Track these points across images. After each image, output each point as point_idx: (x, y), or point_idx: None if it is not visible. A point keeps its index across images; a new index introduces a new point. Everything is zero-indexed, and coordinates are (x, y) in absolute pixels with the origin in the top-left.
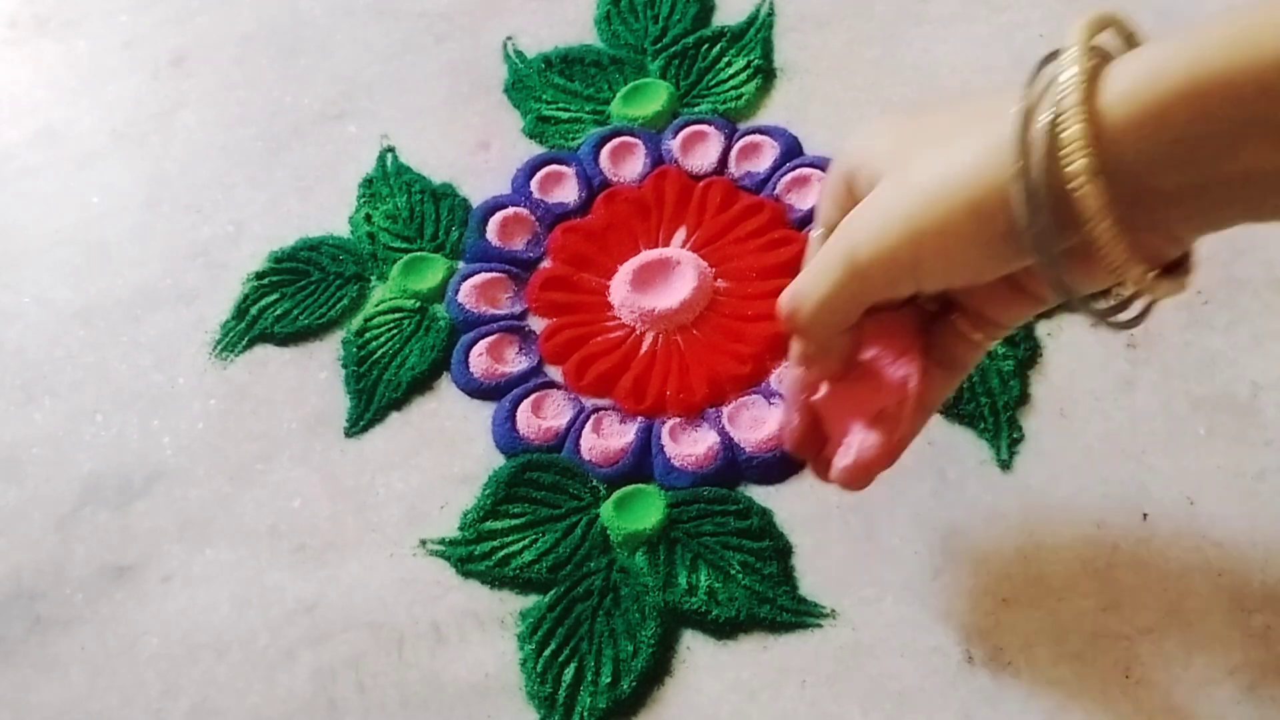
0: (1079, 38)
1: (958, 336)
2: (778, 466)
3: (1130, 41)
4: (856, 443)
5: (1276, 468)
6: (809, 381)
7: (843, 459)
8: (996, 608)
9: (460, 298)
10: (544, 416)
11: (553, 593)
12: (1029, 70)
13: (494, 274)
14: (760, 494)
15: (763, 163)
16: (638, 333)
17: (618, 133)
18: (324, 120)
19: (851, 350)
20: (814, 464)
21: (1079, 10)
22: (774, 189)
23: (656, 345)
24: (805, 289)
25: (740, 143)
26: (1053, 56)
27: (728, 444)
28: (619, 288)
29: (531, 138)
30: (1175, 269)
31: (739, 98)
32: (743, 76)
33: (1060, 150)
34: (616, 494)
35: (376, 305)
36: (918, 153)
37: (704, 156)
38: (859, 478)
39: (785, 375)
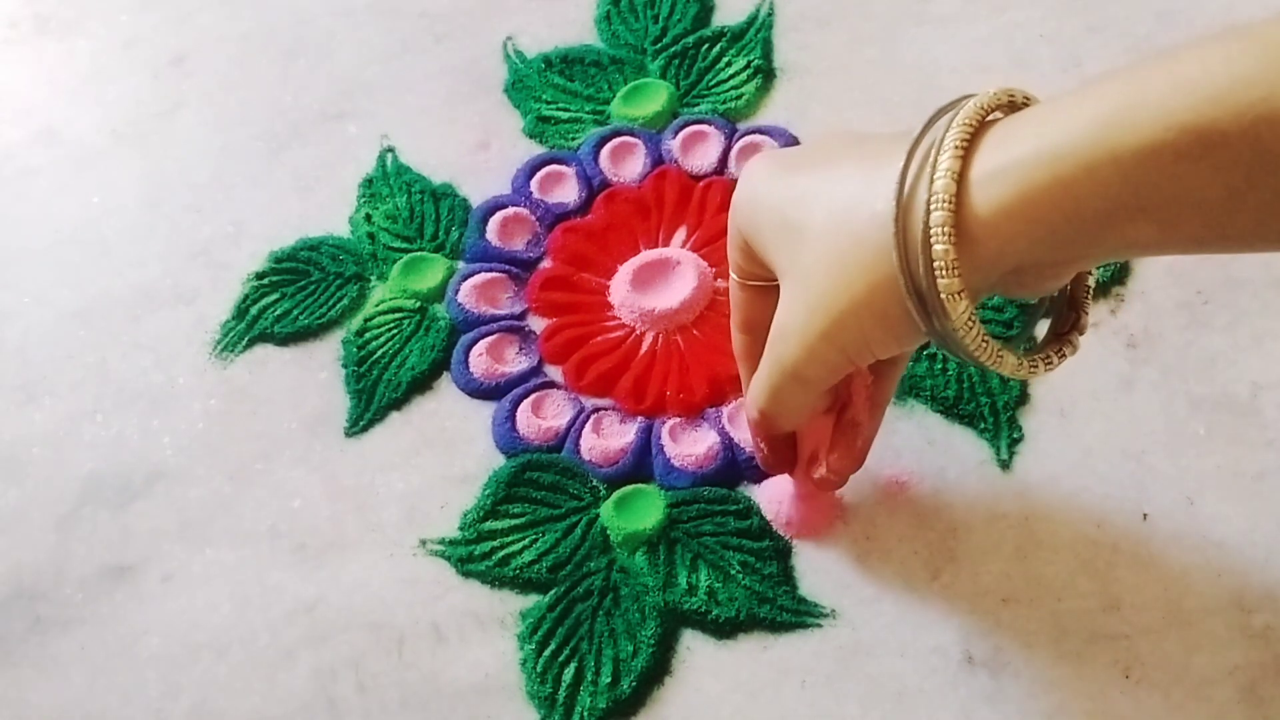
0: (955, 133)
1: None
2: None
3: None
4: (825, 457)
5: (1276, 468)
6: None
7: (817, 472)
8: (996, 608)
9: (460, 298)
10: (544, 416)
11: (553, 593)
12: (915, 130)
13: (494, 274)
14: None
15: None
16: (638, 333)
17: (618, 133)
18: (324, 120)
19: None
20: (793, 475)
21: (1078, 10)
22: None
23: (656, 345)
24: (769, 407)
25: (740, 143)
26: (936, 118)
27: (728, 444)
28: (619, 288)
29: (531, 138)
30: (1067, 330)
31: (739, 98)
32: (743, 76)
33: (933, 261)
34: (616, 494)
35: (376, 305)
36: (805, 238)
37: (704, 156)
38: (835, 485)
39: (746, 412)
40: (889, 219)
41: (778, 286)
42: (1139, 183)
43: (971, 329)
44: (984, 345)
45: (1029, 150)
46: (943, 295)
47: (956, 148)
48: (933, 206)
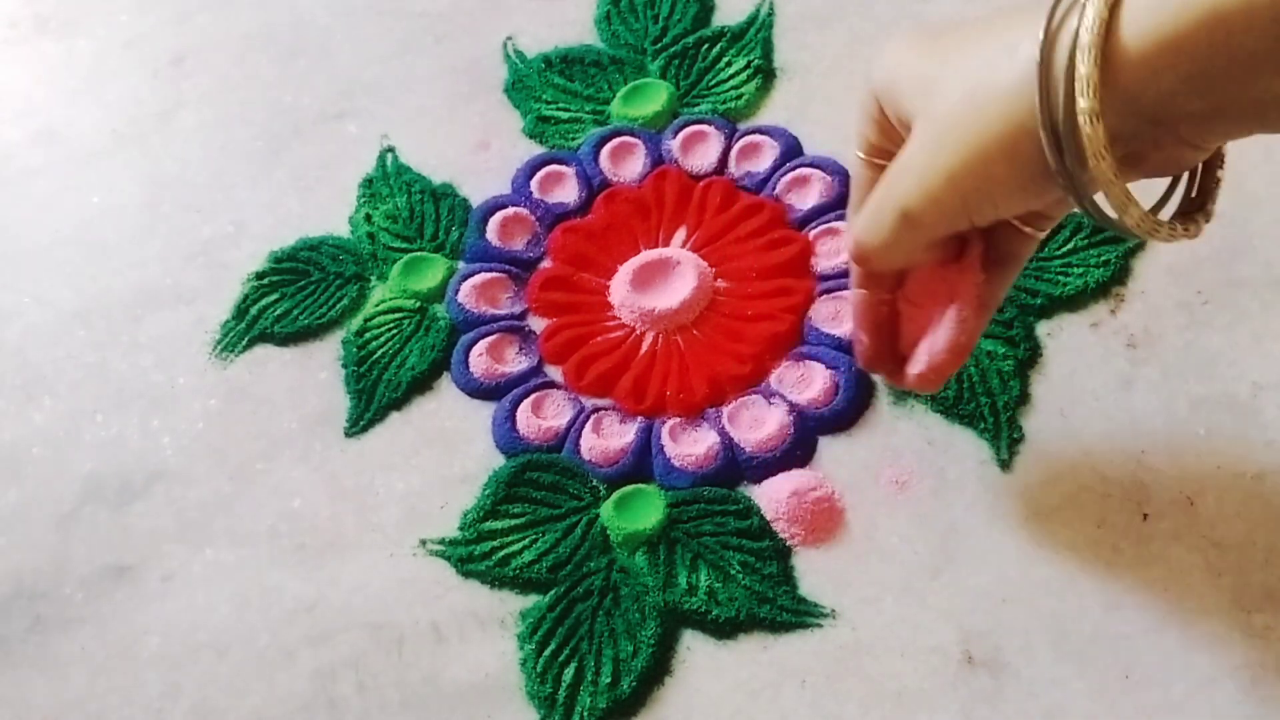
0: None
1: (1010, 232)
2: (778, 466)
3: None
4: (926, 349)
5: (1276, 468)
6: (874, 301)
7: (916, 366)
8: (996, 608)
9: (460, 298)
10: (544, 416)
11: (553, 593)
12: None
13: (494, 274)
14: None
15: (763, 163)
16: (638, 333)
17: (618, 133)
18: (324, 120)
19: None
20: (888, 376)
21: None
22: (774, 189)
23: (656, 345)
24: (867, 239)
25: (740, 143)
26: None
27: (728, 444)
28: (619, 288)
29: (531, 138)
30: (1194, 210)
31: (739, 98)
32: (743, 76)
33: (1074, 85)
34: (616, 494)
35: (376, 305)
36: (944, 87)
37: (704, 156)
38: (933, 380)
39: (850, 298)
40: (1033, 57)
41: None
42: None
43: (1103, 160)
44: (1114, 183)
45: None
46: (1080, 116)
47: None
48: (1082, 33)
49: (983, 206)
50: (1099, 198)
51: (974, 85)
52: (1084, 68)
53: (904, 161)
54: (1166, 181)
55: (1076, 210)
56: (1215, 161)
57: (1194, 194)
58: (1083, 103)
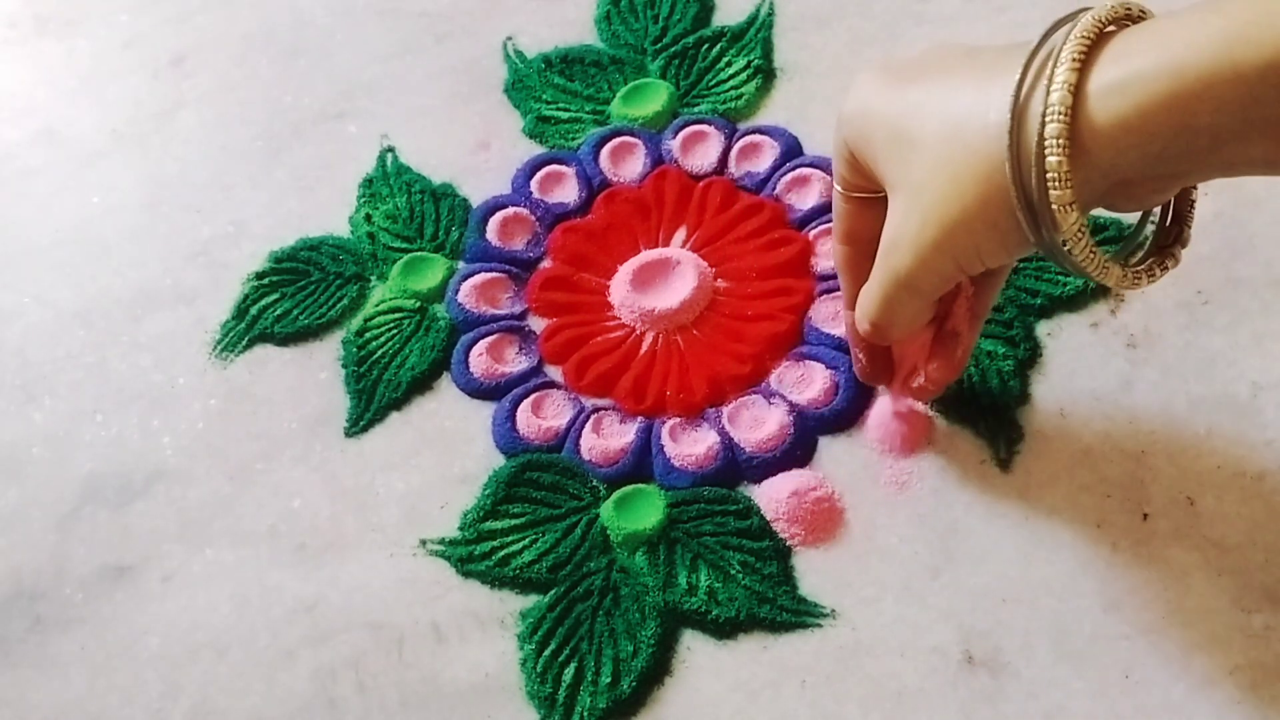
0: (1072, 45)
1: None
2: (778, 466)
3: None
4: (922, 364)
5: (1276, 468)
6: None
7: (915, 382)
8: (996, 608)
9: (460, 298)
10: (544, 416)
11: (553, 593)
12: (1030, 42)
13: (494, 274)
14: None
15: (763, 163)
16: (638, 333)
17: (618, 133)
18: (324, 120)
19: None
20: (888, 387)
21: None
22: (774, 189)
23: (656, 345)
24: (881, 318)
25: (740, 143)
26: (1053, 30)
27: (728, 444)
28: (619, 288)
29: (531, 138)
30: (1170, 242)
31: (739, 98)
32: (743, 76)
33: (1045, 173)
34: (616, 494)
35: (376, 305)
36: (917, 150)
37: (704, 156)
38: (932, 393)
39: (844, 319)
40: (1003, 130)
41: (882, 198)
42: (1260, 99)
43: (1080, 240)
44: (1091, 256)
45: (1149, 64)
46: (1054, 207)
47: (1074, 60)
48: (1048, 118)
49: (972, 263)
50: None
51: (949, 156)
52: (1054, 157)
53: (893, 238)
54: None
55: None
56: (1188, 189)
57: (1168, 221)
58: (1055, 193)
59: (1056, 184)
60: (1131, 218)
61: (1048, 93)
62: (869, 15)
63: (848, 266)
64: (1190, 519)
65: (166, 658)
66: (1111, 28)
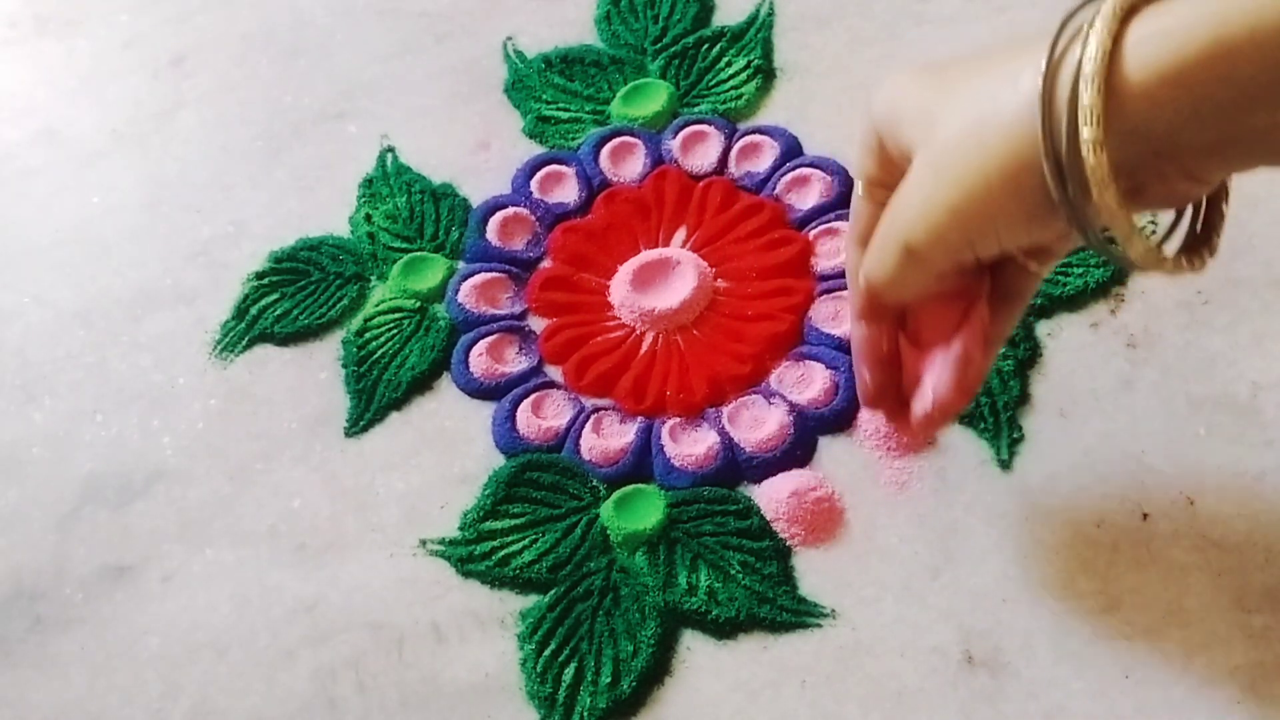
0: (1112, 2)
1: (1014, 269)
2: (778, 466)
3: None
4: (931, 386)
5: (1276, 468)
6: (876, 337)
7: (921, 405)
8: (996, 608)
9: (460, 298)
10: (544, 416)
11: (553, 593)
12: (1060, 17)
13: (494, 274)
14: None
15: (763, 163)
16: (638, 333)
17: (618, 133)
18: (324, 120)
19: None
20: (891, 418)
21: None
22: (774, 189)
23: (656, 345)
24: (875, 275)
25: (740, 143)
26: (1080, 11)
27: (728, 444)
28: (619, 288)
29: (531, 138)
30: (1199, 244)
31: (739, 98)
32: (743, 76)
33: (1077, 114)
34: (616, 494)
35: (376, 305)
36: (945, 117)
37: (704, 156)
38: (939, 421)
39: (852, 334)
40: (1036, 85)
41: None
42: None
43: (1107, 190)
44: (1119, 213)
45: (1191, 15)
46: (1083, 146)
47: (1115, 12)
48: (1085, 63)
49: (986, 238)
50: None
51: (975, 116)
52: (1087, 97)
53: (905, 194)
54: (1170, 214)
55: (1081, 245)
56: (1220, 195)
57: (1198, 228)
58: (1086, 132)
59: (1089, 123)
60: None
61: (1084, 43)
62: (869, 15)
63: (858, 271)
64: (1190, 519)
65: (166, 658)
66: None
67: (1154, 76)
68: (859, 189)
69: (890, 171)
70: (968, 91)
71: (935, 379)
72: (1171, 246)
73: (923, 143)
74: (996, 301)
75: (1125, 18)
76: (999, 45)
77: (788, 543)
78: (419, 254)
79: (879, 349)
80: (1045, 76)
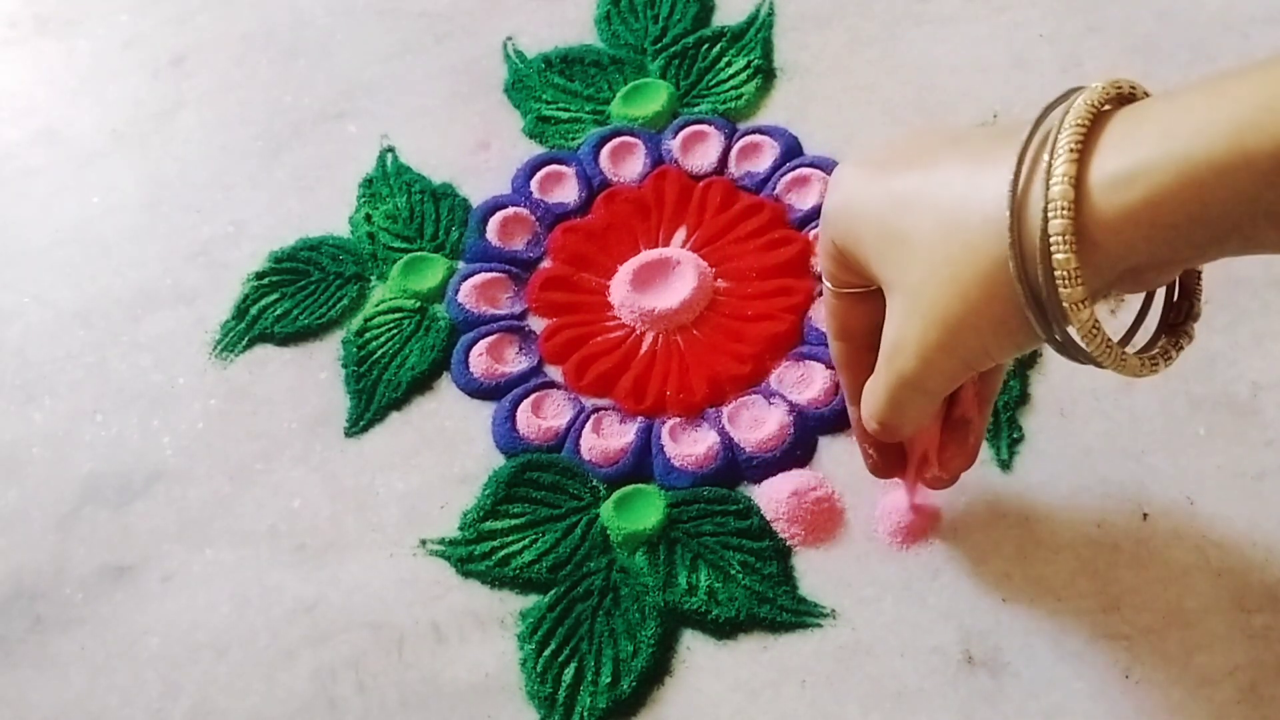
0: (1069, 135)
1: None
2: (778, 466)
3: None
4: (935, 456)
5: (1276, 468)
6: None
7: (930, 473)
8: (996, 608)
9: (460, 298)
10: (544, 416)
11: (553, 593)
12: (1021, 128)
13: (494, 274)
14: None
15: (763, 163)
16: (638, 333)
17: (618, 133)
18: (324, 120)
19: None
20: (903, 478)
21: (1078, 10)
22: (774, 189)
23: (656, 345)
24: (886, 417)
25: (740, 143)
26: (1045, 114)
27: (728, 444)
28: (619, 288)
29: (531, 138)
30: (1182, 319)
31: (739, 98)
32: (743, 76)
33: (1053, 270)
34: (616, 494)
35: (376, 305)
36: (913, 251)
37: (704, 156)
38: (947, 484)
39: (850, 415)
40: (1003, 227)
41: (875, 291)
42: (1275, 185)
43: (1095, 336)
44: (1107, 350)
45: (1156, 153)
46: (1065, 305)
47: (1071, 150)
48: (1051, 214)
49: (982, 361)
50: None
51: (945, 256)
52: (1061, 254)
53: (895, 343)
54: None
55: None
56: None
57: (1175, 297)
58: (1065, 290)
59: (1066, 282)
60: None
61: (1047, 186)
62: (869, 15)
63: (847, 363)
64: (1190, 519)
65: (166, 658)
66: (1108, 107)
67: (1124, 221)
68: (826, 287)
69: (855, 273)
70: (929, 214)
71: (939, 446)
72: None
73: (896, 284)
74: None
75: (1083, 152)
76: (949, 148)
77: (788, 543)
78: (419, 254)
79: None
80: (1011, 224)
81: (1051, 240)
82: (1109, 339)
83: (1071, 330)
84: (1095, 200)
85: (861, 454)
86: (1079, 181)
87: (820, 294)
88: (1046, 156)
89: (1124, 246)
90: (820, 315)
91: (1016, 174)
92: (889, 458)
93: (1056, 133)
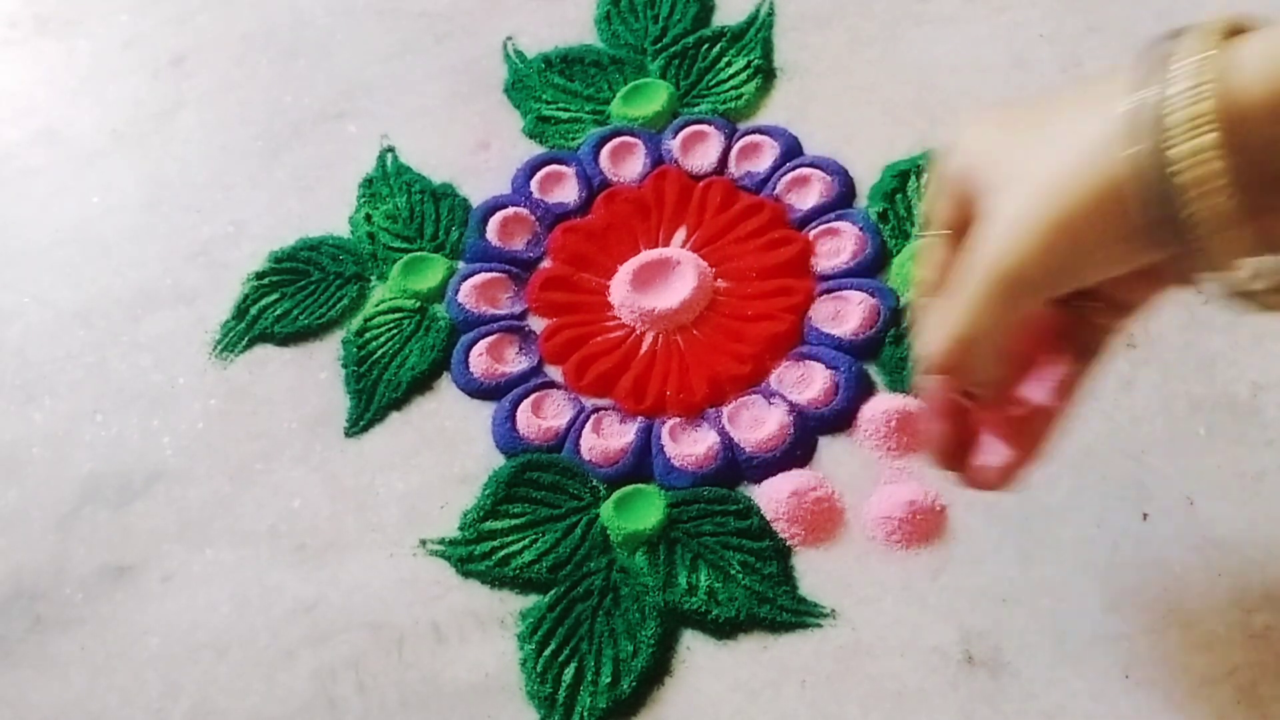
0: (1202, 28)
1: (1091, 324)
2: (778, 466)
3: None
4: (1005, 444)
5: (1276, 468)
6: (950, 388)
7: (991, 459)
8: (996, 608)
9: (460, 298)
10: (544, 416)
11: (553, 593)
12: (1141, 53)
13: (494, 274)
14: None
15: (763, 163)
16: (638, 333)
17: (618, 133)
18: (324, 120)
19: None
20: (960, 472)
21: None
22: (774, 189)
23: (656, 345)
24: (958, 324)
25: (740, 143)
26: (1167, 39)
27: (728, 444)
28: (619, 288)
29: (531, 138)
30: None
31: (739, 98)
32: (743, 76)
33: (1185, 128)
34: (616, 494)
35: (376, 305)
36: (1035, 149)
37: (704, 156)
38: (1007, 480)
39: (925, 385)
40: (1134, 97)
41: None
42: None
43: (1219, 196)
44: (1230, 246)
45: None
46: (1195, 154)
47: (1218, 30)
48: (1194, 94)
49: (1078, 268)
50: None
51: (1067, 140)
52: (1197, 107)
53: (989, 228)
54: None
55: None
56: None
57: None
58: (1198, 141)
59: (1201, 131)
60: None
61: (1186, 62)
62: (869, 15)
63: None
64: (1190, 519)
65: (166, 658)
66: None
67: (1267, 91)
68: (930, 237)
69: (966, 216)
70: (1058, 121)
71: (1013, 436)
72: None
73: (1012, 177)
74: (1080, 349)
75: (1222, 40)
76: (1085, 80)
77: (788, 543)
78: (419, 254)
79: (953, 402)
80: (1145, 93)
81: (1196, 118)
82: (1235, 234)
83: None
84: (1241, 77)
85: (926, 434)
86: (1225, 67)
87: (820, 295)
88: (1182, 51)
89: (1265, 135)
90: (820, 315)
91: (1145, 76)
92: (950, 442)
93: (1187, 40)
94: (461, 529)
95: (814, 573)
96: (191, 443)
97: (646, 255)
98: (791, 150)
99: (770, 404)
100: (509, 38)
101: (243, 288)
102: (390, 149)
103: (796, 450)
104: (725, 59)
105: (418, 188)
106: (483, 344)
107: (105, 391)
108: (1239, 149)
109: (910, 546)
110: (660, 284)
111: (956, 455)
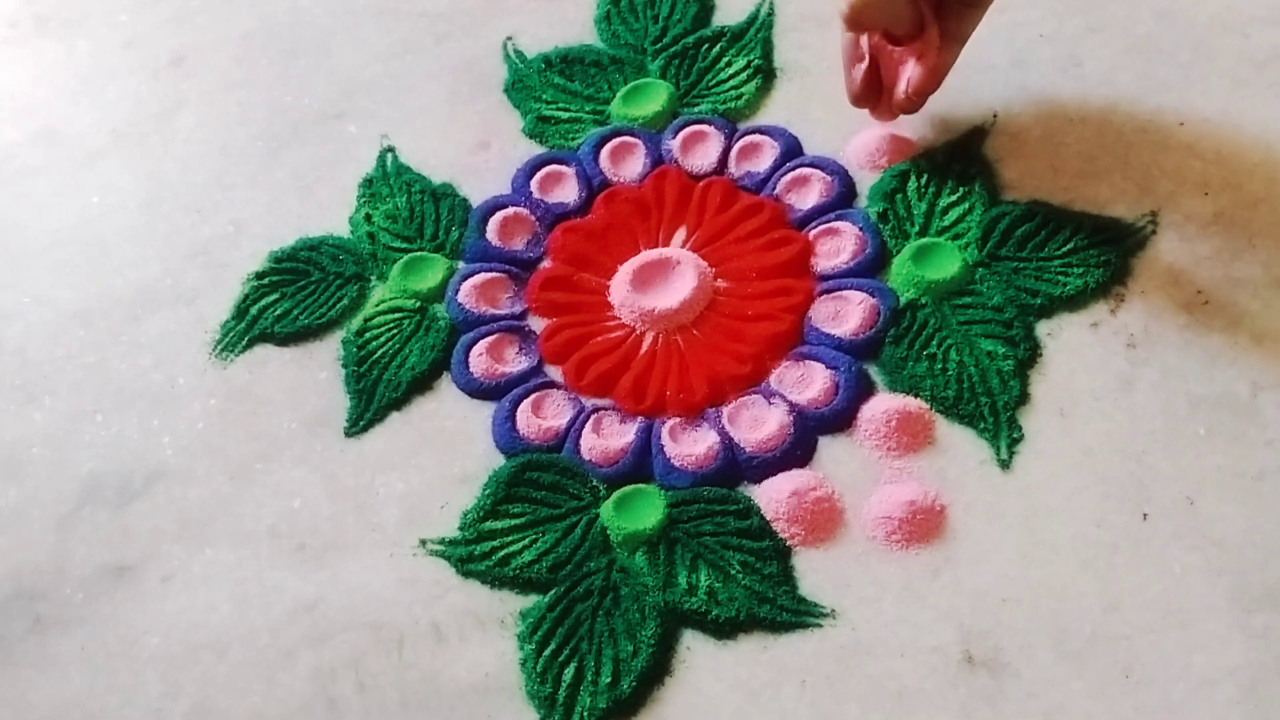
0: None
1: (958, 10)
2: (778, 466)
3: None
4: (906, 75)
5: (1276, 468)
6: (856, 41)
7: (900, 89)
8: (996, 608)
9: (460, 298)
10: (544, 416)
11: (553, 593)
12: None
13: (494, 274)
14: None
15: (763, 163)
16: (638, 333)
17: (618, 133)
18: (324, 120)
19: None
20: (874, 111)
21: (1078, 10)
22: (774, 189)
23: (656, 345)
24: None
25: (740, 143)
26: None
27: (728, 444)
28: (619, 288)
29: (531, 138)
30: None
31: (739, 98)
32: (743, 76)
33: None
34: (616, 494)
35: (376, 305)
36: None
37: (704, 156)
38: (915, 101)
39: (840, 44)
40: None
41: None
42: None
43: None
44: None
45: None
46: None
47: None
48: None
49: None
50: None
51: None
52: None
53: None
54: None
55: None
56: None
57: None
58: None
59: None
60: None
61: None
62: None
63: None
64: (1190, 519)
65: (166, 658)
66: None
67: None
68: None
69: None
70: None
71: (909, 69)
72: None
73: None
74: (956, 6)
75: None
76: None
77: (788, 543)
78: (419, 254)
79: (860, 53)
80: None
81: None
82: None
83: None
84: None
85: (845, 84)
86: None
87: (820, 295)
88: None
89: None
90: (820, 315)
91: None
92: (869, 85)
93: None
94: (461, 529)
95: (814, 573)
96: (191, 443)
97: (646, 255)
98: (791, 150)
99: (770, 404)
100: (509, 38)
101: (243, 288)
102: (390, 149)
103: (796, 450)
104: (725, 59)
105: (418, 188)
106: (483, 344)
107: (105, 391)
108: None
109: (910, 546)
110: (660, 284)
111: (872, 96)
